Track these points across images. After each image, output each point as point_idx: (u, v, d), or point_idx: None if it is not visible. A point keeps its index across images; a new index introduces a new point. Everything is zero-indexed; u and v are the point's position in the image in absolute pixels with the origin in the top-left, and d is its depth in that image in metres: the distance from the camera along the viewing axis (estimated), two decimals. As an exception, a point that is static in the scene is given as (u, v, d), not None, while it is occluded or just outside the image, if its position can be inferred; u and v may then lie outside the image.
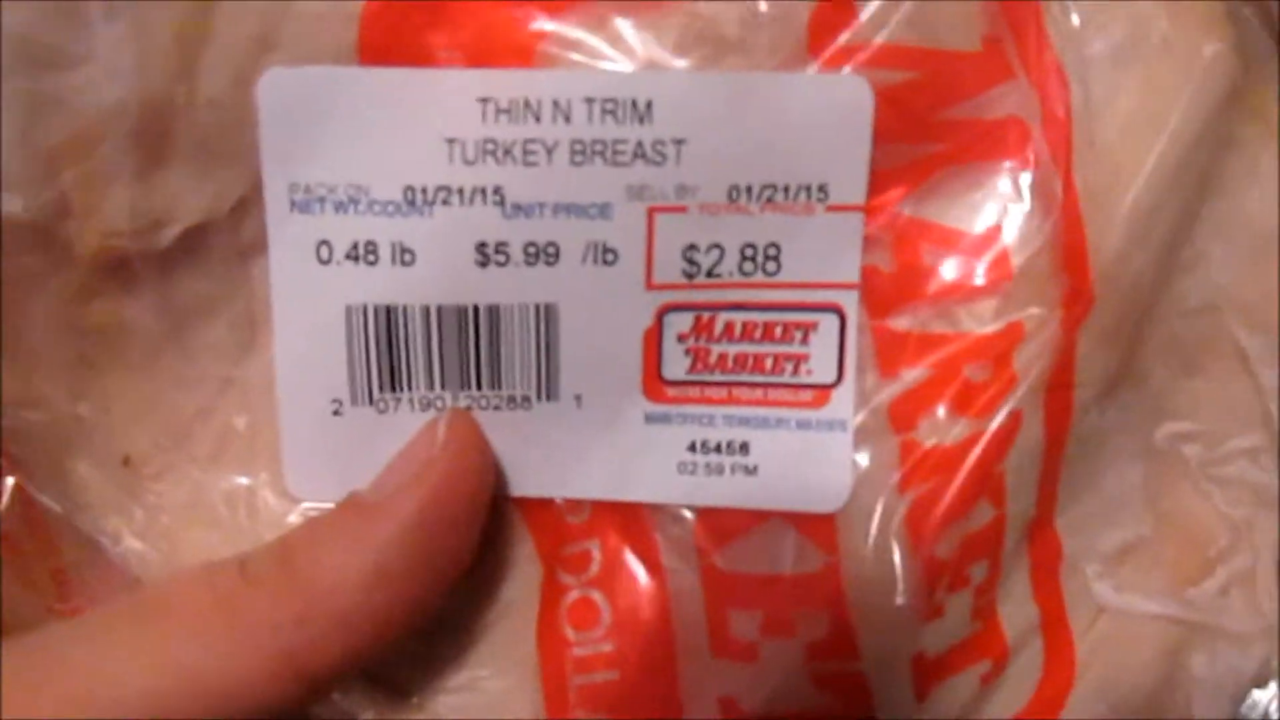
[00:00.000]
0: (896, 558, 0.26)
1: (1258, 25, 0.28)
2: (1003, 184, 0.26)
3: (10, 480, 0.27)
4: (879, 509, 0.26)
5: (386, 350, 0.26)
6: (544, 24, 0.25)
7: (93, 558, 0.28)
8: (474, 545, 0.25)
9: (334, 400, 0.26)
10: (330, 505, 0.26)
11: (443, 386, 0.26)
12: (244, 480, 0.27)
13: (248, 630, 0.23)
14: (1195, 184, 0.28)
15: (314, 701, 0.25)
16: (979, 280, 0.26)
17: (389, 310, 0.26)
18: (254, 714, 0.23)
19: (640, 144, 0.25)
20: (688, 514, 0.27)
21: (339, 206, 0.25)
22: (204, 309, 0.27)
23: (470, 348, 0.26)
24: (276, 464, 0.27)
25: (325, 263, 0.26)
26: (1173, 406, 0.30)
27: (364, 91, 0.25)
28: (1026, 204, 0.26)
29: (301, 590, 0.23)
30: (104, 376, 0.27)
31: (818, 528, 0.26)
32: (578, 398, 0.26)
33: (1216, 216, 0.29)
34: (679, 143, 0.25)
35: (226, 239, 0.26)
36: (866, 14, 0.25)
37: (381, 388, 0.26)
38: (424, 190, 0.25)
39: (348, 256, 0.26)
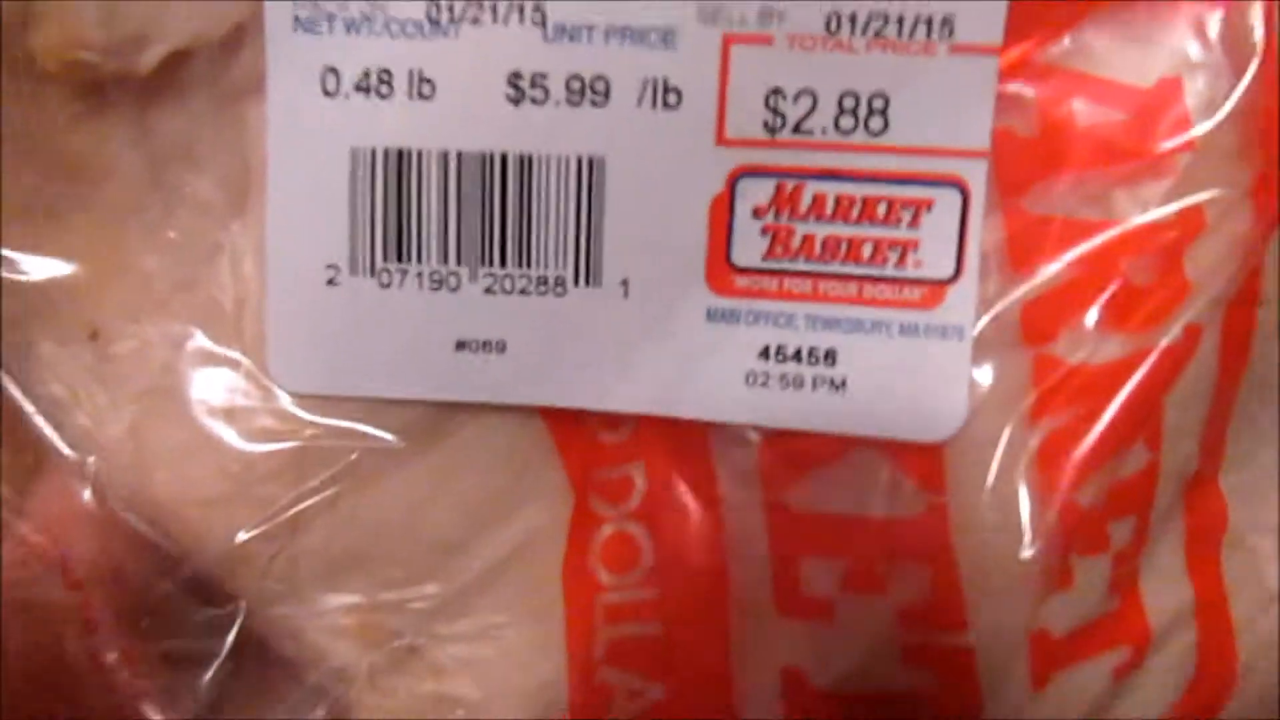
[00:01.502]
0: (1023, 503, 0.18)
1: None
2: (1183, 26, 0.18)
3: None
4: (1003, 441, 0.18)
5: (395, 206, 0.19)
6: None
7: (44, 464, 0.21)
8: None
9: (330, 266, 0.19)
10: (320, 396, 0.19)
11: (458, 260, 0.19)
12: (224, 369, 0.20)
13: None
14: None
15: None
16: (1149, 151, 0.18)
17: (401, 155, 0.19)
18: None
19: (717, -46, 0.18)
20: (754, 436, 0.19)
21: (350, 25, 0.18)
22: (188, 156, 0.20)
23: (494, 209, 0.19)
24: (262, 350, 0.19)
25: (331, 94, 0.19)
26: None
27: None
28: (1215, 53, 0.18)
29: None
30: (71, 231, 0.20)
31: (921, 461, 0.19)
32: (624, 283, 0.19)
33: None
34: None
35: (218, 72, 0.19)
36: None
37: (386, 255, 0.19)
38: (450, 7, 0.18)
39: (357, 87, 0.19)
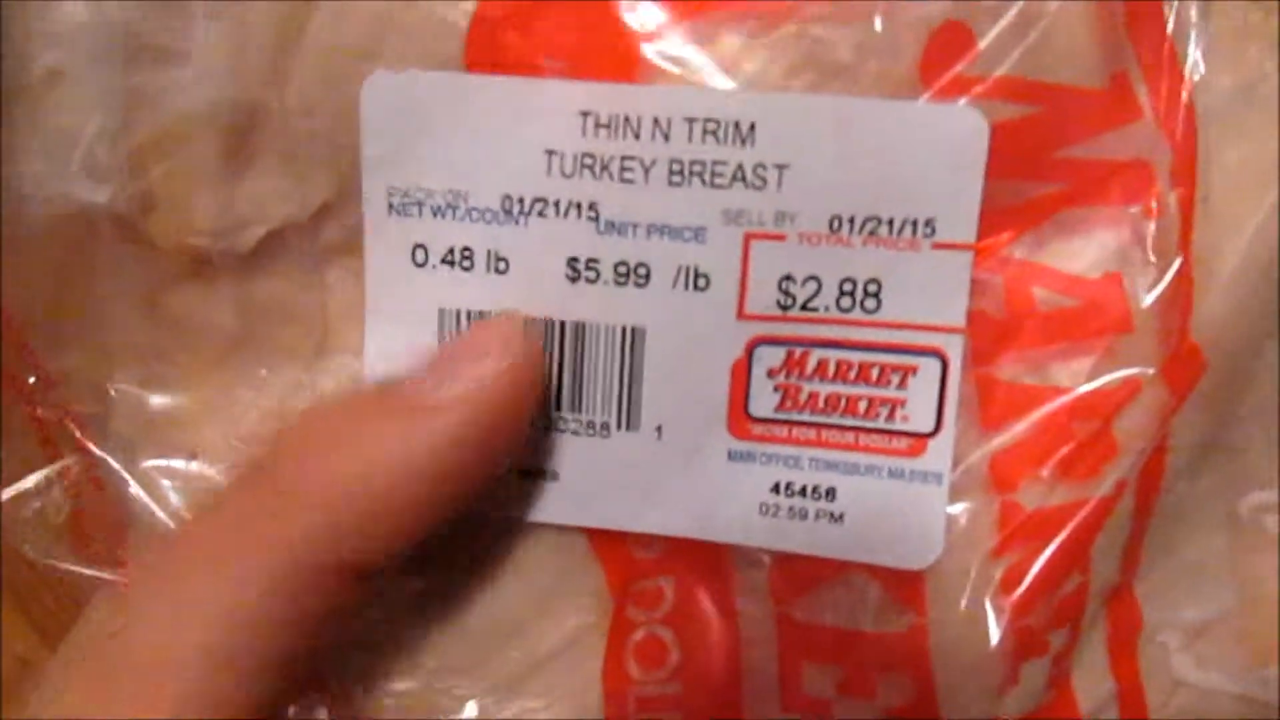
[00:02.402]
0: (990, 624, 0.20)
1: None
2: (1124, 231, 0.20)
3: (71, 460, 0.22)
4: (973, 571, 0.20)
5: None
6: (650, 37, 0.20)
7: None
8: (511, 460, 0.20)
9: None
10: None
11: None
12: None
13: (282, 551, 0.18)
14: None
15: (371, 596, 0.19)
16: (1090, 331, 0.20)
17: (481, 315, 0.20)
18: (312, 628, 0.18)
19: (740, 166, 0.19)
20: (766, 558, 0.21)
21: (437, 211, 0.20)
22: (280, 310, 0.21)
23: (555, 364, 0.20)
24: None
25: (421, 265, 0.20)
26: (1260, 474, 0.24)
27: (466, 98, 0.19)
28: (1149, 254, 0.20)
29: (324, 494, 0.18)
30: (178, 370, 0.21)
31: (904, 585, 0.20)
32: (659, 429, 0.20)
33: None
34: (781, 167, 0.19)
35: (307, 243, 0.21)
36: (984, 44, 0.19)
37: None
38: (521, 200, 0.19)
39: (443, 261, 0.20)
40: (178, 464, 0.21)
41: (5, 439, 0.21)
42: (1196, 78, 0.20)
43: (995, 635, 0.20)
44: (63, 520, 0.21)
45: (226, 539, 0.18)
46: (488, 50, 0.19)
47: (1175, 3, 0.20)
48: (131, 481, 0.21)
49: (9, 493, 0.21)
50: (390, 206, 0.20)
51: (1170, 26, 0.20)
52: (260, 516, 0.18)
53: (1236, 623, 0.23)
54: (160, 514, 0.21)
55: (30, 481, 0.21)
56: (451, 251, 0.20)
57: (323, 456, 0.18)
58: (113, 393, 0.21)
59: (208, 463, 0.21)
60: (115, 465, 0.21)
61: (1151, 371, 0.20)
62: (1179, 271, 0.20)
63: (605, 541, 0.21)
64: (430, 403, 0.18)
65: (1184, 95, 0.20)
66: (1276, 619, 0.23)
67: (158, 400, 0.21)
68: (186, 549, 0.19)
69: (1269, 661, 0.23)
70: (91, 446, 0.21)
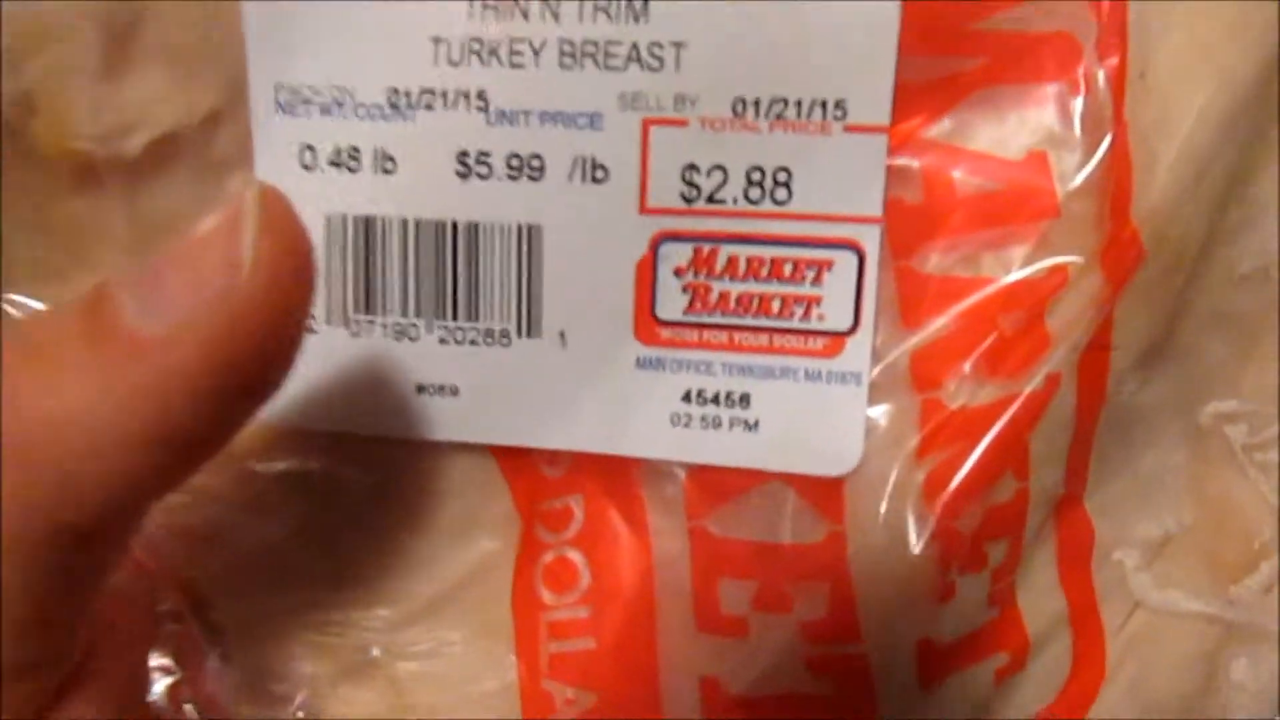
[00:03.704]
0: (911, 531, 0.17)
1: None
2: (1049, 108, 0.17)
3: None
4: (894, 476, 0.17)
5: (364, 266, 0.18)
6: None
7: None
8: (285, 378, 0.15)
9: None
10: (294, 430, 0.18)
11: (417, 313, 0.18)
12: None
13: None
14: (1251, 134, 0.19)
15: (120, 553, 0.15)
16: (1019, 216, 0.17)
17: (368, 221, 0.18)
18: (55, 601, 0.14)
19: (635, 46, 0.17)
20: (679, 471, 0.18)
21: (324, 109, 0.18)
22: (173, 222, 0.19)
23: (447, 269, 0.18)
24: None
25: (309, 168, 0.18)
26: (1219, 383, 0.21)
27: None
28: (1076, 133, 0.17)
29: (43, 454, 0.13)
30: (70, 283, 0.19)
31: (823, 493, 0.18)
32: (561, 335, 0.18)
33: (1274, 179, 0.21)
34: (678, 46, 0.17)
35: (197, 151, 0.18)
36: None
37: (356, 307, 0.18)
38: (407, 93, 0.17)
39: (331, 163, 0.18)
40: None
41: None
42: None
43: (917, 541, 0.17)
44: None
45: None
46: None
47: None
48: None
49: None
50: (277, 105, 0.18)
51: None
52: None
53: (1198, 539, 0.21)
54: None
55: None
56: (338, 152, 0.18)
57: (35, 417, 0.14)
58: (4, 307, 0.19)
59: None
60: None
61: (1083, 259, 0.17)
62: (1111, 149, 0.17)
63: (512, 460, 0.19)
64: (143, 335, 0.14)
65: (1112, -39, 0.17)
66: (1241, 534, 0.21)
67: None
68: None
69: (1234, 579, 0.21)
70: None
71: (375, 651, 0.20)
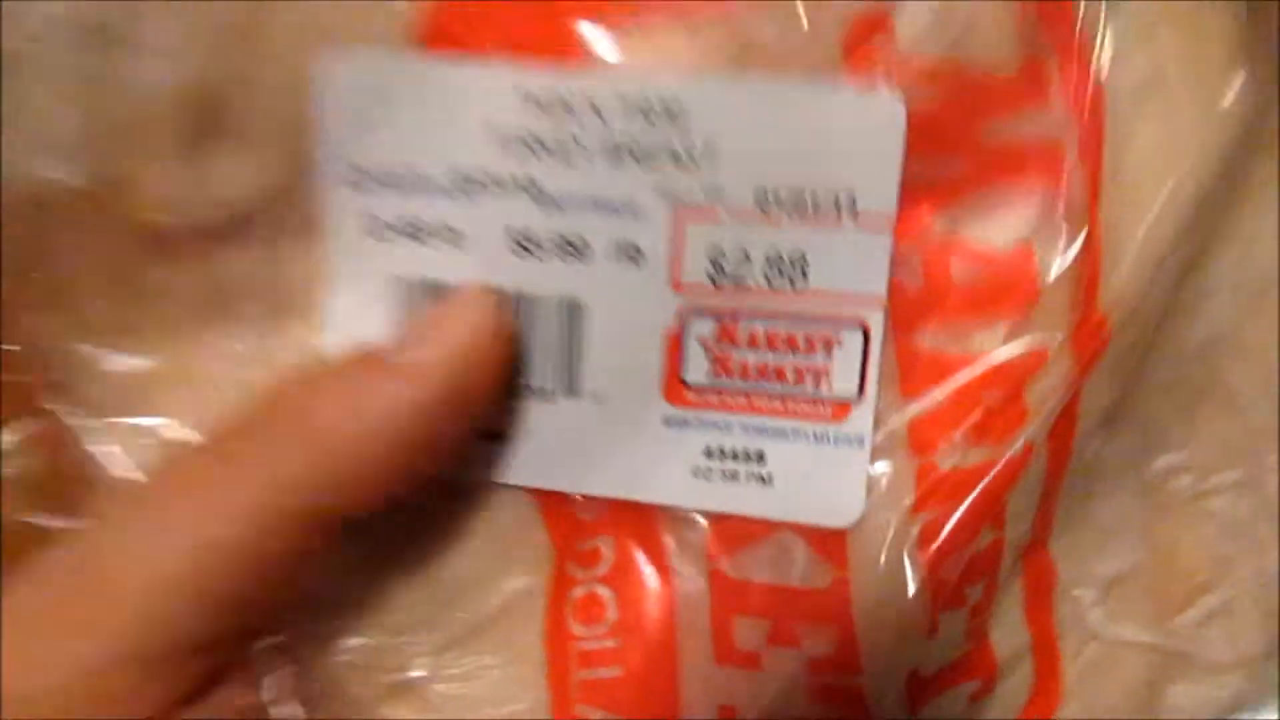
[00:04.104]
0: (908, 578, 0.19)
1: (1277, 69, 0.22)
2: (1035, 206, 0.19)
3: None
4: (892, 528, 0.19)
5: None
6: (585, 23, 0.19)
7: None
8: (486, 422, 0.19)
9: None
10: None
11: None
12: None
13: (271, 489, 0.17)
14: (1209, 224, 0.21)
15: (338, 547, 0.18)
16: (1004, 302, 0.19)
17: (434, 286, 0.20)
18: (289, 568, 0.17)
19: (671, 145, 0.18)
20: (700, 519, 0.20)
21: (391, 186, 0.19)
22: (240, 284, 0.20)
23: None
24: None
25: (376, 238, 0.19)
26: (1168, 440, 0.23)
27: (417, 78, 0.19)
28: (1058, 228, 0.19)
29: (319, 446, 0.17)
30: (143, 339, 0.20)
31: (829, 542, 0.19)
32: (599, 396, 0.20)
33: (1226, 258, 0.23)
34: (710, 146, 0.18)
35: (266, 221, 0.20)
36: (903, 29, 0.18)
37: None
38: (469, 175, 0.19)
39: (398, 233, 0.19)
40: (141, 425, 0.20)
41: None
42: (1107, 61, 0.19)
43: (912, 587, 0.19)
44: (34, 480, 0.20)
45: (212, 473, 0.18)
46: (437, 33, 0.19)
47: (1085, -7, 0.19)
48: (98, 442, 0.20)
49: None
50: (347, 182, 0.19)
51: (1079, 17, 0.19)
52: (249, 457, 0.17)
53: (1146, 578, 0.23)
54: (124, 472, 0.20)
55: (6, 441, 0.20)
56: (405, 224, 0.19)
57: (313, 410, 0.18)
58: (82, 360, 0.20)
59: (169, 425, 0.20)
60: (84, 427, 0.20)
61: (1059, 340, 0.19)
62: (1085, 244, 0.19)
63: (549, 502, 0.21)
64: (413, 365, 0.18)
65: (1093, 78, 0.19)
66: (1183, 573, 0.23)
67: (123, 367, 0.20)
68: (169, 480, 0.18)
69: (1176, 613, 0.23)
70: (61, 409, 0.20)
71: (416, 673, 0.21)
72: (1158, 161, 0.20)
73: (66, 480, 0.20)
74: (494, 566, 0.21)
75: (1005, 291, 0.19)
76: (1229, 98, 0.20)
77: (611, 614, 0.20)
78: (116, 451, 0.20)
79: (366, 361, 0.19)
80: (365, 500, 0.18)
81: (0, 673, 0.16)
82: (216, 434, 0.18)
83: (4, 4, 0.18)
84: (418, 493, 0.19)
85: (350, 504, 0.18)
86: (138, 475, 0.20)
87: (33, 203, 0.19)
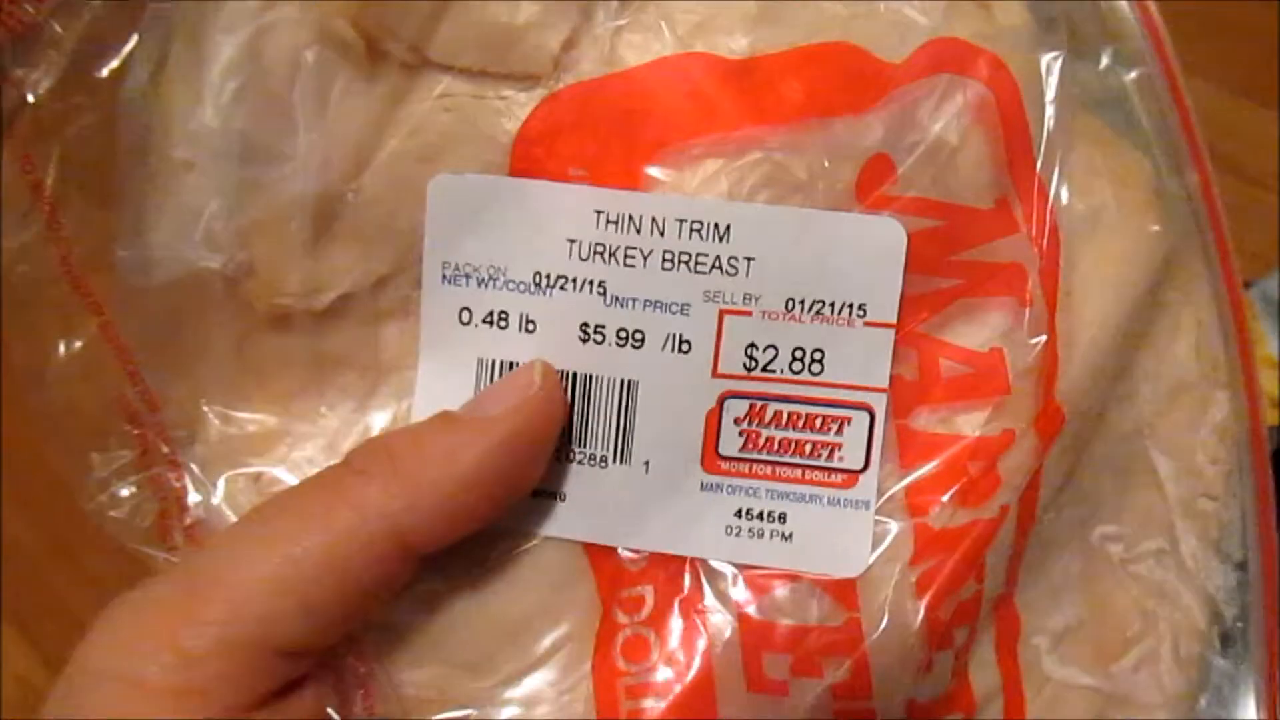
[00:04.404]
0: (907, 618, 0.22)
1: (1184, 208, 0.26)
2: (1006, 316, 0.23)
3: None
4: (894, 578, 0.22)
5: None
6: (650, 158, 0.22)
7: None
8: (539, 477, 0.22)
9: None
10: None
11: None
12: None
13: (363, 514, 0.20)
14: (1135, 336, 0.26)
15: (411, 578, 0.21)
16: (981, 392, 0.23)
17: (512, 365, 0.23)
18: (373, 589, 0.20)
19: (718, 258, 0.22)
20: (731, 570, 0.23)
21: (481, 282, 0.23)
22: (342, 360, 0.23)
23: (569, 407, 0.23)
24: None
25: (465, 325, 0.23)
26: (1106, 512, 0.26)
27: (508, 197, 0.22)
28: (1025, 334, 0.23)
29: (406, 482, 0.20)
30: (255, 404, 0.23)
31: (841, 589, 0.22)
32: (646, 463, 0.23)
33: (1147, 362, 0.27)
34: (749, 259, 0.22)
35: (367, 305, 0.23)
36: (902, 171, 0.22)
37: None
38: (548, 276, 0.22)
39: (484, 321, 0.23)
40: (248, 481, 0.23)
41: (110, 449, 0.23)
42: (1060, 203, 0.24)
43: (914, 624, 0.22)
44: (150, 521, 0.23)
45: (312, 497, 0.21)
46: (526, 160, 0.22)
47: (1042, 148, 0.23)
48: (210, 491, 0.23)
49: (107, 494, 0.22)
50: (443, 277, 0.23)
51: (1039, 165, 0.24)
52: (343, 487, 0.20)
53: (1088, 629, 0.26)
54: (231, 518, 0.23)
55: (126, 487, 0.23)
56: (491, 314, 0.23)
57: (397, 452, 0.21)
58: (202, 419, 0.23)
59: (273, 481, 0.23)
60: (199, 477, 0.23)
61: (1025, 423, 0.23)
62: (1045, 346, 0.23)
63: (599, 555, 0.23)
64: (478, 420, 0.21)
65: (1049, 216, 0.23)
66: (1118, 627, 0.27)
67: (236, 429, 0.23)
68: (275, 504, 0.21)
69: (1114, 659, 0.27)
70: (180, 460, 0.23)
71: (476, 705, 0.23)
72: (1099, 285, 0.24)
73: (176, 519, 0.23)
74: (550, 609, 0.23)
75: (983, 384, 0.23)
76: (1151, 238, 0.25)
77: (655, 652, 0.23)
78: (221, 498, 0.23)
79: (443, 417, 0.22)
80: (438, 531, 0.21)
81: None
82: (321, 473, 0.21)
83: (175, 116, 0.21)
84: (478, 539, 0.22)
85: (425, 532, 0.21)
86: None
87: (178, 285, 0.22)
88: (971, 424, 0.23)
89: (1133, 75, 0.26)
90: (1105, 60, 0.26)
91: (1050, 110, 0.24)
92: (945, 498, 0.23)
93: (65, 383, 0.23)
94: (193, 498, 0.23)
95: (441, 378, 0.23)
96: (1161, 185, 0.26)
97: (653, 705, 0.23)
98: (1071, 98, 0.24)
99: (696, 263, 0.22)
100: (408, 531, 0.20)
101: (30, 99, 0.21)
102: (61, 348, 0.23)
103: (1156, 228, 0.25)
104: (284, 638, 0.19)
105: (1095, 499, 0.26)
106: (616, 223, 0.22)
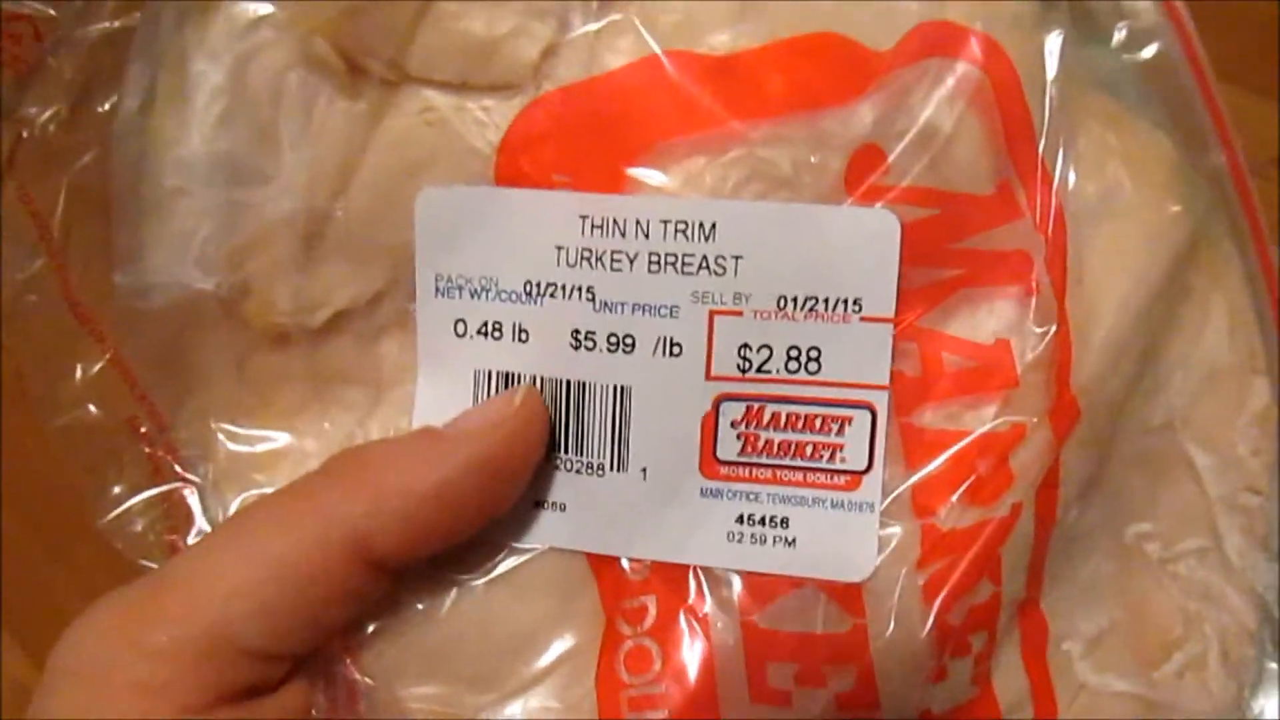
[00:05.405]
0: (915, 624, 0.21)
1: (1207, 188, 0.24)
2: (1012, 306, 0.22)
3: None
4: (901, 581, 0.21)
5: None
6: (632, 160, 0.21)
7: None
8: (517, 497, 0.21)
9: None
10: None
11: None
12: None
13: (325, 519, 0.20)
14: (1160, 323, 0.24)
15: (380, 591, 0.21)
16: (989, 386, 0.21)
17: (507, 376, 0.22)
18: (334, 595, 0.20)
19: (705, 258, 0.21)
20: (733, 577, 0.22)
21: (473, 294, 0.22)
22: (341, 375, 0.23)
23: (562, 416, 0.22)
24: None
25: (460, 336, 0.22)
26: (1138, 510, 0.24)
27: (495, 206, 0.21)
28: (1031, 324, 0.21)
29: (368, 489, 0.20)
30: (259, 421, 0.23)
31: (846, 594, 0.21)
32: (644, 470, 0.22)
33: (1175, 351, 0.25)
34: (737, 258, 0.21)
35: (365, 321, 0.23)
36: (893, 159, 0.21)
37: None
38: (538, 284, 0.22)
39: (478, 332, 0.22)
40: (253, 496, 0.23)
41: (123, 469, 0.23)
42: (1066, 187, 0.22)
43: (922, 630, 0.21)
44: (159, 537, 0.23)
45: (283, 507, 0.20)
46: (510, 169, 0.22)
47: (1044, 130, 0.22)
48: (220, 509, 0.23)
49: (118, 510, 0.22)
50: (437, 290, 0.22)
51: (1041, 148, 0.22)
52: (313, 497, 0.20)
53: (1125, 634, 0.25)
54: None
55: (139, 503, 0.22)
56: (485, 325, 0.22)
57: (370, 463, 0.21)
58: (211, 438, 0.23)
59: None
60: (210, 495, 0.23)
61: (1037, 417, 0.21)
62: (1055, 336, 0.22)
63: (601, 565, 0.22)
64: (455, 433, 0.21)
65: (1054, 201, 0.22)
66: (1157, 631, 0.25)
67: (245, 446, 0.23)
68: (248, 512, 0.21)
69: (1155, 667, 0.25)
70: (191, 478, 0.23)
71: (482, 717, 0.23)
72: (1115, 270, 0.23)
73: (186, 536, 0.23)
74: (553, 622, 0.22)
75: (989, 378, 0.22)
76: (1170, 219, 0.23)
77: (657, 663, 0.22)
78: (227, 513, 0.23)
79: (424, 430, 0.22)
80: (403, 542, 0.20)
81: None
82: (294, 484, 0.21)
83: (164, 144, 0.21)
84: (479, 553, 0.21)
85: (388, 542, 0.20)
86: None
87: (177, 308, 0.22)
88: (979, 419, 0.22)
89: (1148, 52, 0.24)
90: (1118, 38, 0.24)
91: (1052, 90, 0.22)
92: (954, 497, 0.21)
93: (80, 406, 0.23)
94: (202, 515, 0.23)
95: (440, 391, 0.22)
96: (1182, 164, 0.24)
97: (656, 717, 0.22)
98: (1077, 77, 0.23)
99: (683, 264, 0.21)
100: (368, 538, 0.20)
101: (25, 135, 0.21)
102: (79, 372, 0.23)
103: (1177, 208, 0.24)
104: (244, 639, 0.19)
105: (1125, 496, 0.24)
106: (601, 227, 0.21)
